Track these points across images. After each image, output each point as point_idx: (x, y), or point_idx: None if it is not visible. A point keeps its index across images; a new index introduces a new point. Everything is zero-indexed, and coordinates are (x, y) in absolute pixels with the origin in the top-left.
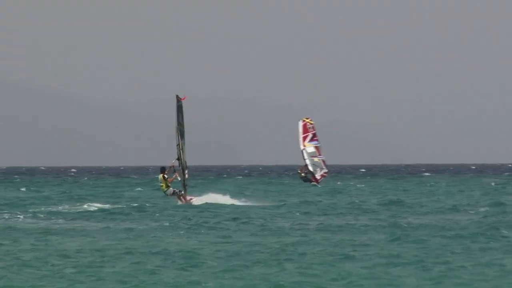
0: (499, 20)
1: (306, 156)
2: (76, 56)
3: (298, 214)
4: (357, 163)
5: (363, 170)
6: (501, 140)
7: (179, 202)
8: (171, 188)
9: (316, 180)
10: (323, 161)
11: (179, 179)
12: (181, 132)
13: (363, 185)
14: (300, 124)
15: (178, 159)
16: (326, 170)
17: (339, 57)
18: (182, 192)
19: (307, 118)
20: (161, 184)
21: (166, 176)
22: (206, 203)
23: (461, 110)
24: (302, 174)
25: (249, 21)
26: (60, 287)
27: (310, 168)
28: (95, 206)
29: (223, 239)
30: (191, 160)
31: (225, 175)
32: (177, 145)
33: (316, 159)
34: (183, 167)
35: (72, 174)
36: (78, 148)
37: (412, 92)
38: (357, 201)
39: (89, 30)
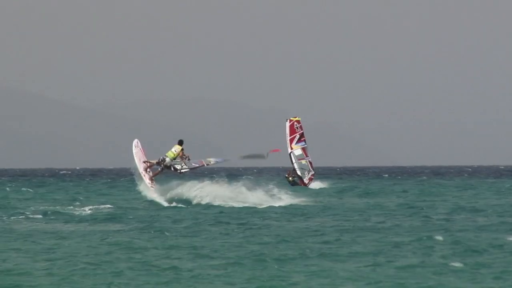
0: (495, 22)
1: (294, 160)
2: (60, 58)
3: (316, 214)
4: (344, 165)
5: (358, 173)
6: (488, 142)
7: (143, 174)
8: (171, 161)
9: (305, 184)
10: (310, 163)
11: (183, 164)
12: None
13: (372, 186)
14: (287, 124)
15: (186, 160)
16: (313, 172)
17: (330, 60)
18: (161, 167)
19: (294, 117)
20: (173, 153)
21: (183, 150)
22: (213, 204)
23: (449, 113)
24: (290, 178)
25: (240, 24)
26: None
27: (298, 172)
28: (99, 207)
29: (234, 239)
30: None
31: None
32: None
33: (303, 161)
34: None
35: (70, 174)
36: (58, 150)
37: (402, 95)
38: (371, 202)
39: (78, 32)
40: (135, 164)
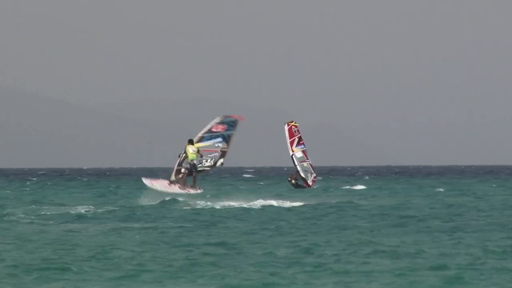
0: (491, 25)
1: (296, 162)
2: (60, 58)
3: (346, 214)
4: (351, 165)
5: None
6: (490, 142)
7: (175, 187)
8: (188, 166)
9: (309, 186)
10: (311, 165)
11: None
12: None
13: (400, 186)
14: (286, 128)
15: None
16: (315, 174)
17: (331, 60)
18: (183, 175)
19: (291, 122)
20: (194, 153)
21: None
22: (238, 206)
23: (449, 113)
24: (293, 181)
25: (240, 24)
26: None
27: (302, 174)
28: (125, 206)
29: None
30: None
31: (227, 175)
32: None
33: (305, 164)
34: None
35: (90, 173)
36: (51, 150)
37: (402, 95)
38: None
39: (75, 32)
40: (171, 192)
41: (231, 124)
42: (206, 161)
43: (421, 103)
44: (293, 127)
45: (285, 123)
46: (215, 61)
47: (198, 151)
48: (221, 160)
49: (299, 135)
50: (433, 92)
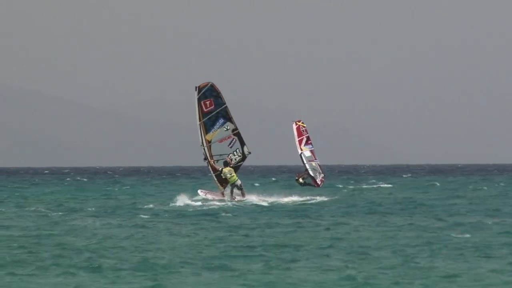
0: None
1: (305, 161)
2: (64, 58)
3: (362, 212)
4: (358, 164)
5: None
6: (493, 141)
7: (228, 197)
8: (239, 180)
9: (317, 184)
10: (319, 165)
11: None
12: (206, 125)
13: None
14: (294, 127)
15: (205, 159)
16: (323, 175)
17: (334, 60)
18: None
19: (299, 121)
20: (235, 176)
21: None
22: (268, 201)
23: (454, 112)
24: (301, 180)
25: (244, 23)
26: None
27: (311, 173)
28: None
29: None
30: (187, 161)
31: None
32: (200, 145)
33: (313, 163)
34: (212, 166)
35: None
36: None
37: (408, 95)
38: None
39: (76, 32)
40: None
41: (215, 95)
42: (234, 155)
43: (428, 102)
44: (301, 126)
45: (292, 122)
46: (220, 60)
47: (235, 171)
48: (246, 148)
49: (307, 134)
50: (440, 91)
